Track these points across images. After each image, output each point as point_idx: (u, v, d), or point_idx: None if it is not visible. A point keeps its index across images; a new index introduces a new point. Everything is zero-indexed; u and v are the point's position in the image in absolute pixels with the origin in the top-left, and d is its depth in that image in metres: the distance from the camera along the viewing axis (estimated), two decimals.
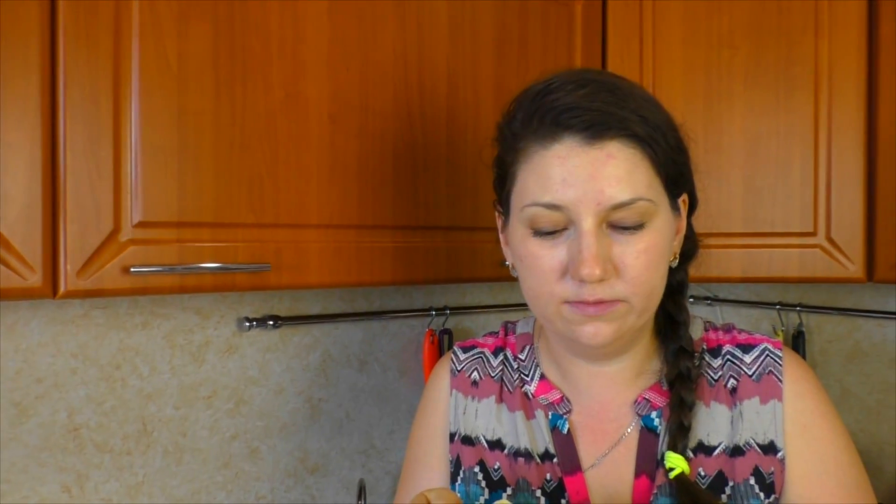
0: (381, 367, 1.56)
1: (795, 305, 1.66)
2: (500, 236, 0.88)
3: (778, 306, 1.69)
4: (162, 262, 0.96)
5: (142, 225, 0.96)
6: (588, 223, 0.73)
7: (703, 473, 0.80)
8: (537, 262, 0.76)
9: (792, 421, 0.80)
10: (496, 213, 0.88)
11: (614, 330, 0.76)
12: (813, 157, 1.33)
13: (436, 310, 1.56)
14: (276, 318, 1.39)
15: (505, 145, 0.82)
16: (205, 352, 1.35)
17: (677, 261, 0.83)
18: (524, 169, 0.78)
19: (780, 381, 0.81)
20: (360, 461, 1.53)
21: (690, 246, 0.86)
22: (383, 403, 1.56)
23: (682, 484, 0.77)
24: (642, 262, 0.74)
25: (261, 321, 1.37)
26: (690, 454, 0.80)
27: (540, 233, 0.77)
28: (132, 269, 0.93)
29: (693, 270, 1.40)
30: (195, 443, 1.34)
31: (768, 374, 0.82)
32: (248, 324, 1.36)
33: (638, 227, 0.75)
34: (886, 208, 1.27)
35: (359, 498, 1.37)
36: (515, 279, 0.86)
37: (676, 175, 0.79)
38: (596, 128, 0.74)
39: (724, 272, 1.36)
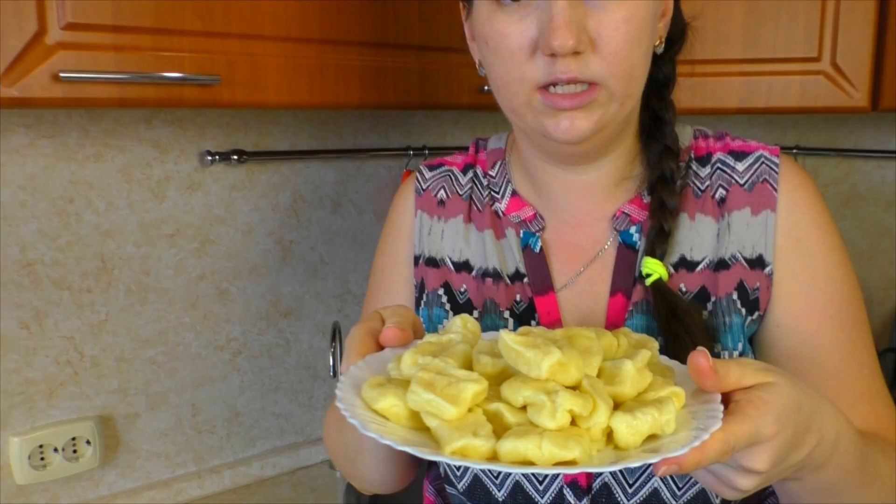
0: (357, 210, 1.49)
1: (792, 148, 1.58)
2: (466, 32, 0.78)
3: None
4: (97, 69, 0.87)
5: (72, 27, 0.85)
6: None
7: (684, 289, 0.74)
8: (504, 41, 0.67)
9: (784, 233, 0.73)
10: (461, 7, 0.78)
11: (593, 123, 0.67)
12: None
13: (414, 149, 1.48)
14: (240, 152, 1.30)
15: None
16: (165, 187, 1.27)
17: (663, 46, 0.74)
18: None
19: (775, 189, 0.74)
20: (336, 305, 1.49)
21: (677, 30, 0.76)
22: (359, 247, 1.51)
23: (658, 290, 0.71)
24: (622, 34, 0.65)
25: (224, 155, 1.29)
26: (672, 269, 0.74)
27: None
28: (62, 75, 0.84)
29: (686, 101, 1.30)
30: (160, 282, 1.28)
31: (762, 182, 0.74)
32: (210, 158, 1.27)
33: None
34: None
35: (332, 340, 1.34)
36: (497, 110, 0.77)
37: None
38: None
39: (720, 103, 1.27)
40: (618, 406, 0.52)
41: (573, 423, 0.49)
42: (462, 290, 0.80)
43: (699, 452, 0.48)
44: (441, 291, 0.81)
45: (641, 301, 0.73)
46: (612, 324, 0.74)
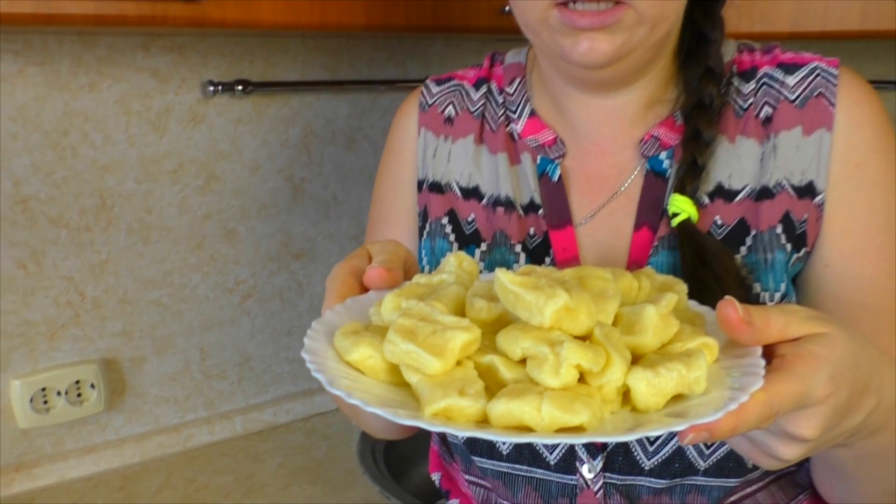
0: (372, 146, 1.40)
1: None
2: None
3: None
4: None
5: None
6: None
7: (720, 222, 0.64)
8: None
9: (841, 157, 0.63)
10: None
11: (616, 46, 0.57)
12: None
13: None
14: (245, 82, 1.22)
15: None
16: (166, 120, 1.19)
17: None
18: None
19: (833, 105, 0.63)
20: (351, 247, 1.42)
21: None
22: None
23: (685, 232, 0.62)
24: None
25: (228, 86, 1.20)
26: (706, 199, 0.64)
27: None
28: None
29: (732, 25, 1.17)
30: (163, 221, 1.22)
31: (817, 96, 0.64)
32: (212, 88, 1.19)
33: None
34: None
35: None
36: (522, 34, 0.66)
37: None
38: None
39: (770, 26, 1.14)
40: (637, 360, 0.44)
41: (581, 380, 0.41)
42: (469, 219, 0.71)
43: (736, 417, 0.40)
44: (445, 221, 0.72)
45: (669, 236, 0.64)
46: (635, 261, 0.65)
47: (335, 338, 0.45)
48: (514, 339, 0.42)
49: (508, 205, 0.69)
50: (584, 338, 0.42)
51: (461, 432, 0.37)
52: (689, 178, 0.63)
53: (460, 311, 0.46)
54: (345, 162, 1.38)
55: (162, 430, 1.27)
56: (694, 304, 0.52)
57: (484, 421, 0.40)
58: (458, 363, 0.42)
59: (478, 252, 0.70)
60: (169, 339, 1.26)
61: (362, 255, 0.55)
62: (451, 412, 0.39)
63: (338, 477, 1.19)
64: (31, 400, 1.15)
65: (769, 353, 0.45)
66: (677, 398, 0.42)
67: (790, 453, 0.46)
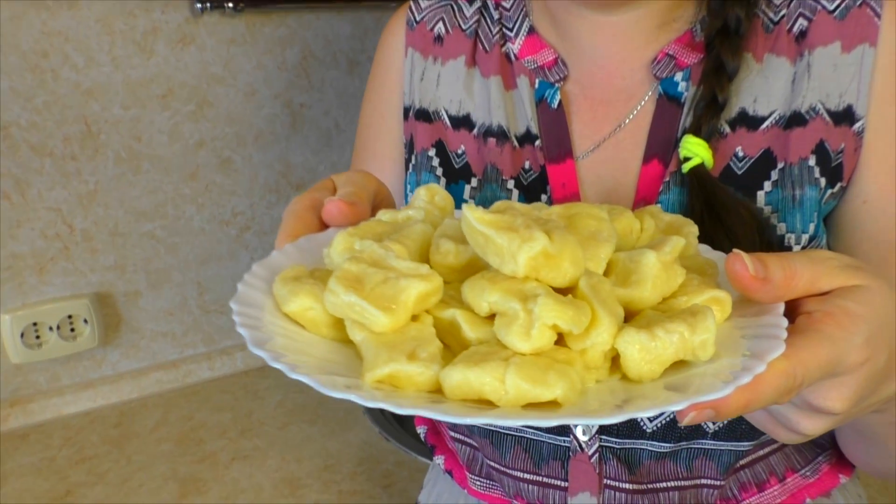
0: None
1: None
2: None
3: None
4: None
5: None
6: None
7: (741, 154, 0.55)
8: None
9: (885, 77, 0.53)
10: None
11: None
12: None
13: None
14: None
15: None
16: (152, 41, 1.11)
17: None
18: None
19: (878, 15, 0.53)
20: None
21: None
22: None
23: (697, 179, 0.53)
24: None
25: (218, 3, 1.12)
26: (727, 128, 0.55)
27: None
28: None
29: None
30: (153, 149, 1.15)
31: (860, 6, 0.54)
32: (200, 5, 1.11)
33: None
34: None
35: None
36: None
37: None
38: None
39: None
40: (632, 317, 0.36)
41: (561, 342, 0.34)
42: (459, 151, 0.63)
43: (749, 392, 0.32)
44: (433, 153, 0.64)
45: (681, 171, 0.56)
46: (643, 199, 0.56)
47: (274, 284, 0.38)
48: (481, 291, 0.34)
49: (501, 135, 0.61)
50: (568, 290, 0.35)
51: (402, 409, 0.30)
52: (707, 116, 0.53)
53: (425, 255, 0.39)
54: (347, 86, 1.29)
55: (160, 365, 1.24)
56: (706, 250, 0.44)
57: (439, 391, 0.33)
58: (415, 318, 0.35)
59: (468, 188, 0.62)
60: (164, 273, 1.21)
61: (326, 187, 0.47)
62: (397, 380, 0.32)
63: (338, 417, 1.15)
64: (23, 335, 1.11)
65: (793, 308, 0.37)
66: (679, 364, 0.35)
67: (813, 427, 0.38)
